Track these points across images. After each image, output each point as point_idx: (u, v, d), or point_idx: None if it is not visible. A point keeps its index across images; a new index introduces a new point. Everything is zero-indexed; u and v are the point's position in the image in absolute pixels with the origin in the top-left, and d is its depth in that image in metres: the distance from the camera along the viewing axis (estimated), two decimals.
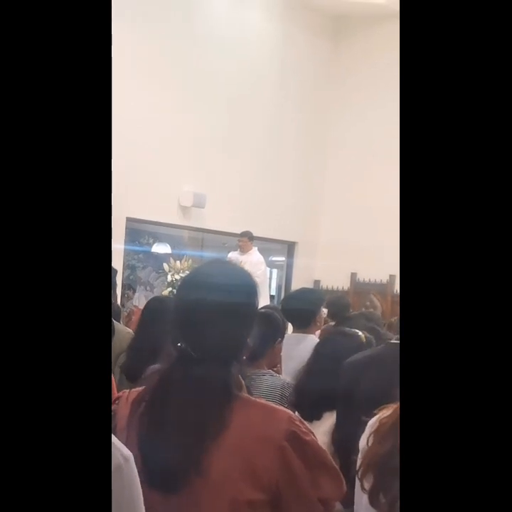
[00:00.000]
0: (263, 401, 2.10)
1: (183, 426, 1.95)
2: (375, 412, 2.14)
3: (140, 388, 2.10)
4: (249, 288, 2.11)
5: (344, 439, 3.24)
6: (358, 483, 2.03)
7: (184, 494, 1.94)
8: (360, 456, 2.07)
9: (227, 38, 12.30)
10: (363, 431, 2.17)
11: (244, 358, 2.11)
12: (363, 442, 2.13)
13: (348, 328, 4.00)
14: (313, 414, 3.51)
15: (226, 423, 1.94)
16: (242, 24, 12.56)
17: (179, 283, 2.19)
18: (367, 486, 1.98)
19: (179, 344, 2.03)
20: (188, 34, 11.81)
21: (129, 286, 15.07)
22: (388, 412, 2.03)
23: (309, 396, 3.52)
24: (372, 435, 2.03)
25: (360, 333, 3.82)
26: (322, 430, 3.49)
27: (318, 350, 3.78)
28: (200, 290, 2.04)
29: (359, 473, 2.02)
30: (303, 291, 6.01)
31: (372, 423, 2.14)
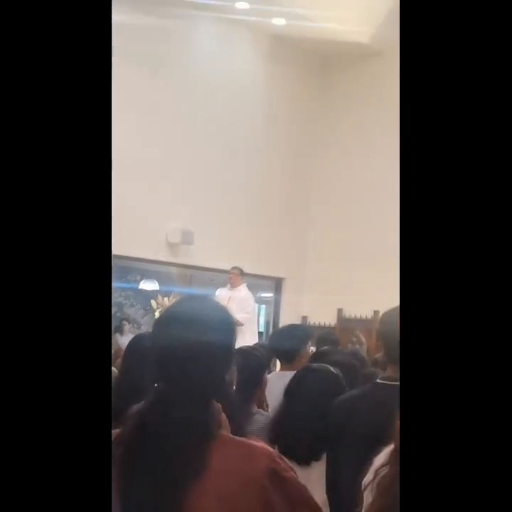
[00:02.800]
0: (243, 439, 2.04)
1: (162, 469, 1.91)
2: (381, 449, 2.12)
3: (118, 430, 2.06)
4: (225, 324, 2.07)
5: (337, 479, 3.19)
6: None
7: None
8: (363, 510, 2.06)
9: (217, 76, 12.39)
10: (361, 469, 2.15)
11: (234, 398, 2.07)
12: (367, 478, 2.12)
13: (316, 364, 3.96)
14: (311, 456, 3.45)
15: (205, 464, 1.91)
16: (231, 62, 12.66)
17: (154, 321, 2.16)
18: None
19: (156, 384, 2.00)
20: (178, 72, 11.88)
21: (122, 319, 15.01)
22: (381, 460, 2.02)
23: (299, 439, 3.46)
24: (373, 489, 2.01)
25: (329, 367, 3.77)
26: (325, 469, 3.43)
27: (290, 390, 3.71)
28: (173, 329, 2.00)
29: None
30: (289, 328, 6.00)
31: (379, 458, 2.12)
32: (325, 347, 5.66)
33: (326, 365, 3.86)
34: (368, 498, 2.11)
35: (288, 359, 5.20)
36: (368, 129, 12.87)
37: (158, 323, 2.10)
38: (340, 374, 3.73)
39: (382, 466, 2.02)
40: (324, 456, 3.45)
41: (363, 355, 5.61)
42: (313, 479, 3.20)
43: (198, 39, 12.24)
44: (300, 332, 5.68)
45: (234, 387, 2.74)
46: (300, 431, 3.48)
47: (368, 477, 2.12)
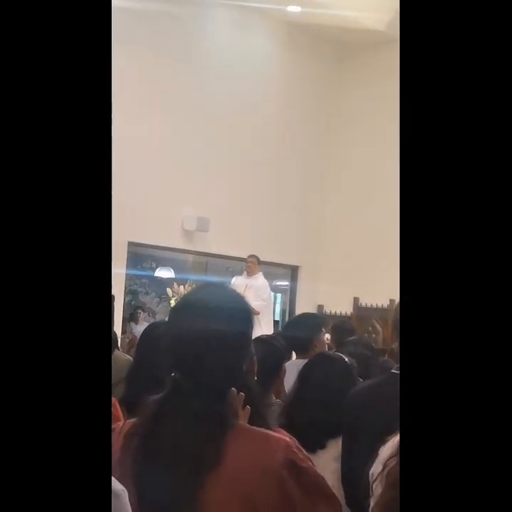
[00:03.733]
0: (261, 429, 2.03)
1: (178, 459, 1.91)
2: (387, 439, 2.11)
3: (133, 420, 2.05)
4: (242, 312, 2.05)
5: (351, 470, 3.19)
6: None
7: None
8: (372, 501, 2.05)
9: (232, 63, 12.38)
10: (371, 460, 2.14)
11: (256, 389, 2.05)
12: (374, 469, 2.10)
13: (332, 352, 3.95)
14: (316, 444, 3.45)
15: (222, 454, 1.90)
16: (246, 50, 12.64)
17: (170, 309, 2.13)
18: None
19: (172, 374, 1.99)
20: (193, 59, 11.86)
21: (136, 308, 15.04)
22: (389, 451, 2.00)
23: (306, 425, 3.45)
24: (382, 480, 2.00)
25: (343, 356, 3.77)
26: (331, 456, 3.43)
27: (303, 375, 3.71)
28: (190, 317, 1.98)
29: None
30: (302, 317, 5.99)
31: (386, 449, 2.11)
32: (351, 338, 5.64)
33: (340, 353, 3.85)
34: (377, 489, 2.10)
35: (302, 348, 5.18)
36: (385, 117, 12.79)
37: (175, 311, 2.09)
38: (355, 364, 3.72)
39: (391, 457, 2.01)
40: (330, 445, 3.45)
41: (372, 344, 5.60)
42: (319, 467, 3.20)
43: (211, 26, 12.20)
44: (313, 321, 5.66)
45: (255, 378, 2.72)
46: (308, 417, 3.48)
47: (377, 468, 2.11)
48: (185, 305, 2.07)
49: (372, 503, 2.13)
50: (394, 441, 2.07)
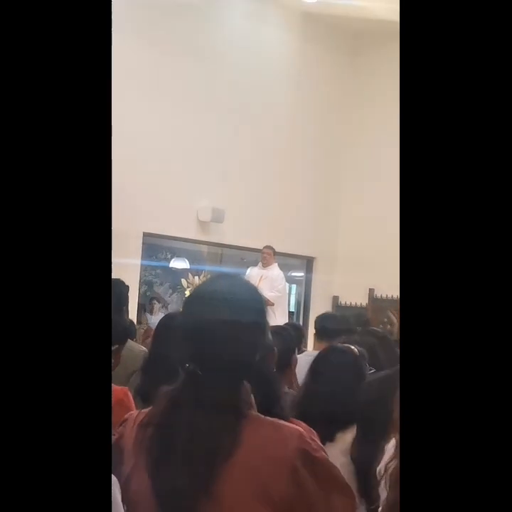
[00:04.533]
0: (274, 419, 2.02)
1: (192, 449, 1.91)
2: (392, 435, 2.11)
3: (147, 410, 2.06)
4: (256, 303, 2.04)
5: (364, 460, 3.18)
6: None
7: None
8: (380, 504, 2.05)
9: (247, 53, 12.35)
10: (381, 452, 2.14)
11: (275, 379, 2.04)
12: (380, 468, 2.10)
13: (340, 344, 3.94)
14: (325, 437, 3.44)
15: (236, 444, 1.90)
16: (261, 39, 12.62)
17: (184, 300, 2.13)
18: None
19: (187, 364, 1.99)
20: (208, 49, 11.85)
21: (152, 298, 15.05)
22: (390, 452, 2.01)
23: (316, 418, 3.44)
24: (386, 483, 2.00)
25: (353, 347, 3.75)
26: (340, 449, 3.42)
27: (313, 368, 3.70)
28: (204, 308, 1.98)
29: None
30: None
31: (390, 447, 2.11)
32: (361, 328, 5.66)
33: (349, 345, 3.84)
34: (383, 493, 2.11)
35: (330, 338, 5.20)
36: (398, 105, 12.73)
37: (189, 302, 2.09)
38: (365, 354, 3.71)
39: (391, 459, 2.02)
40: (338, 438, 3.45)
41: (384, 333, 5.61)
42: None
43: (227, 17, 12.18)
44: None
45: (274, 369, 2.73)
46: (317, 410, 3.47)
47: (381, 468, 2.11)
48: (198, 296, 2.07)
49: (380, 507, 2.13)
50: (393, 443, 2.07)
